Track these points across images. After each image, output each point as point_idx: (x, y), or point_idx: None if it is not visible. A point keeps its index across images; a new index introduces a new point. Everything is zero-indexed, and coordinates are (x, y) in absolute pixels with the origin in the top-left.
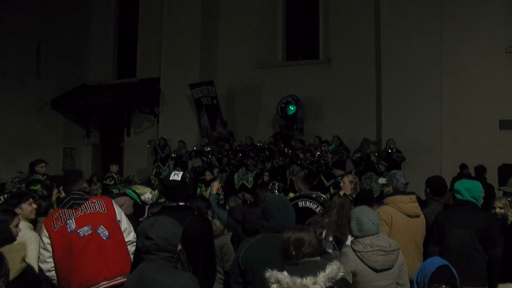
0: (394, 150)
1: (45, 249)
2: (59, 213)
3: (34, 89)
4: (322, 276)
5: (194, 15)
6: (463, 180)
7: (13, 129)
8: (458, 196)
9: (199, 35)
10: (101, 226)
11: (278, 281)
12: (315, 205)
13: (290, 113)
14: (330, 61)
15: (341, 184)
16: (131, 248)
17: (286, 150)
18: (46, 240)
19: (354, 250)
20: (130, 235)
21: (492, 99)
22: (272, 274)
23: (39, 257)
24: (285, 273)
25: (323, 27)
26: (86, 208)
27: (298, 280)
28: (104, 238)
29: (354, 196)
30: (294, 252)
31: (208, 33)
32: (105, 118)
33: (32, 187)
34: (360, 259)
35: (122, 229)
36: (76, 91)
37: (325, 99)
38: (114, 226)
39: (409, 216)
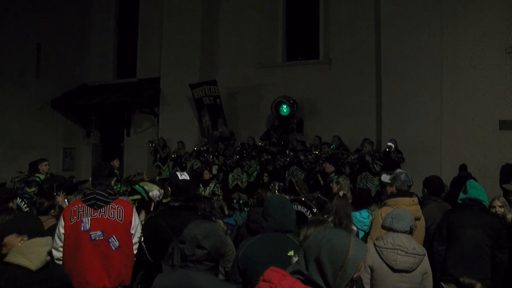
0: (393, 150)
1: (59, 238)
2: (78, 207)
3: (34, 89)
4: None
5: (194, 15)
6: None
7: (13, 129)
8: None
9: (199, 35)
10: (114, 236)
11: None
12: (305, 209)
13: (283, 113)
14: (330, 61)
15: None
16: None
17: (288, 152)
18: (62, 230)
19: (375, 246)
20: (136, 250)
21: (492, 99)
22: None
23: (52, 243)
24: None
25: (323, 27)
26: (105, 212)
27: None
28: (113, 248)
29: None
30: None
31: (208, 33)
32: (105, 118)
33: (27, 189)
34: (379, 255)
35: (133, 242)
36: (76, 91)
37: (325, 99)
38: (126, 238)
39: None
